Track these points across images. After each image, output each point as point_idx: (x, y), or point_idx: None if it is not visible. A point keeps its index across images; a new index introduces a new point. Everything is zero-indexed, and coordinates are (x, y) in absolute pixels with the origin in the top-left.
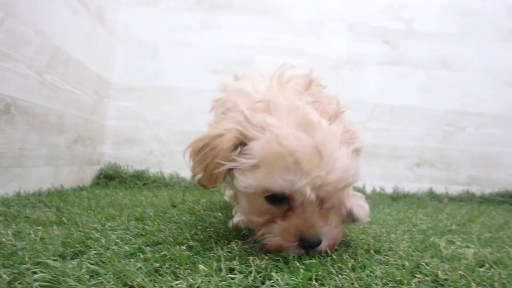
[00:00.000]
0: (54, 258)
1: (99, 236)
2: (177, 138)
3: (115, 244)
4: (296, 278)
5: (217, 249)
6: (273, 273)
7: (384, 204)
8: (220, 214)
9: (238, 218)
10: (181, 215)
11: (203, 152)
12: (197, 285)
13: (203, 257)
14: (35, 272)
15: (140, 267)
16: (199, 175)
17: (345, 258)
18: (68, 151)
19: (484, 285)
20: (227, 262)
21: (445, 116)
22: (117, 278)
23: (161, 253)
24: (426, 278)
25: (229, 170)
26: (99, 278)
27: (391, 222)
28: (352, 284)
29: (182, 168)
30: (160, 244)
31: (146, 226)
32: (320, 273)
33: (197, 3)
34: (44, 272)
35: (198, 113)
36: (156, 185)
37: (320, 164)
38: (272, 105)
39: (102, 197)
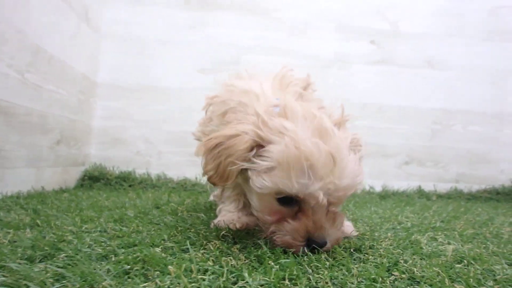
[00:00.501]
0: (21, 262)
1: (73, 239)
2: (165, 138)
3: (88, 247)
4: (269, 278)
5: (193, 250)
6: (245, 274)
7: (372, 202)
8: (203, 215)
9: (220, 218)
10: (162, 216)
11: (217, 150)
12: (165, 286)
13: (177, 258)
14: None
15: (109, 269)
16: (211, 172)
17: (323, 257)
18: (51, 152)
19: (459, 281)
20: (201, 263)
21: (432, 114)
22: (83, 281)
23: (134, 255)
24: (403, 276)
25: (242, 170)
26: (64, 281)
27: (376, 220)
28: (326, 283)
29: (170, 168)
30: (135, 246)
31: (124, 228)
32: (294, 272)
33: (186, 2)
34: (6, 276)
35: (186, 113)
36: (143, 186)
37: (333, 170)
38: (288, 111)
39: (84, 199)
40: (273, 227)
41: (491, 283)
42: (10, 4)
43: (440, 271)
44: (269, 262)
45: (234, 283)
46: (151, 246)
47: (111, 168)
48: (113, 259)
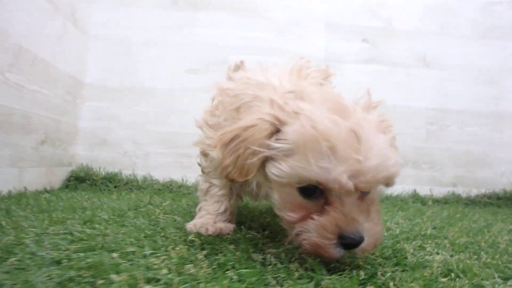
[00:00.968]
0: None
1: (31, 242)
2: (152, 139)
3: (44, 251)
4: None
5: (154, 256)
6: (201, 285)
7: None
8: (179, 217)
9: (195, 220)
10: (136, 218)
11: (234, 143)
12: None
13: (133, 265)
14: None
15: (52, 277)
16: (229, 168)
17: (292, 268)
18: (35, 152)
19: None
20: (155, 271)
21: (427, 114)
22: None
23: (88, 261)
24: None
25: (262, 163)
26: None
27: None
28: None
29: (156, 169)
30: (94, 250)
31: (92, 231)
32: (256, 283)
33: (174, 2)
34: None
35: (173, 114)
36: (128, 188)
37: (357, 149)
38: (304, 94)
39: (64, 200)
40: (297, 228)
41: None
42: None
43: (420, 285)
44: (226, 271)
45: None
46: (111, 251)
47: (98, 169)
48: (63, 264)
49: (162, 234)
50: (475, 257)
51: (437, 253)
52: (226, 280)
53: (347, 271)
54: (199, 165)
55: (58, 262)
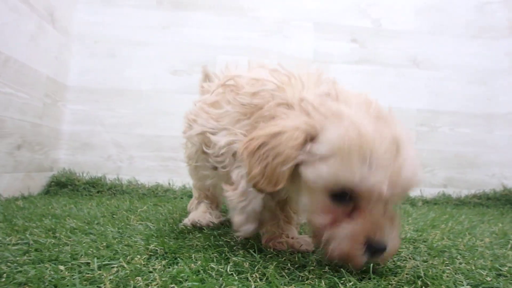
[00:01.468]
0: None
1: None
2: (137, 142)
3: None
4: None
5: (103, 270)
6: None
7: None
8: (152, 224)
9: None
10: (105, 225)
11: (262, 151)
12: None
13: (74, 279)
14: None
15: None
16: (258, 178)
17: (251, 279)
18: (10, 157)
19: None
20: (96, 286)
21: (418, 115)
22: None
23: (27, 275)
24: None
25: (294, 169)
26: None
27: None
28: None
29: (141, 173)
30: (43, 262)
31: (52, 240)
32: None
33: (158, 2)
34: None
35: (158, 116)
36: (112, 193)
37: (397, 158)
38: (341, 96)
39: (38, 207)
40: (326, 235)
41: None
42: None
43: None
44: (171, 285)
45: None
46: (62, 263)
47: (81, 174)
48: (3, 280)
49: (126, 243)
50: (450, 262)
51: (411, 259)
52: None
53: (309, 280)
54: (189, 159)
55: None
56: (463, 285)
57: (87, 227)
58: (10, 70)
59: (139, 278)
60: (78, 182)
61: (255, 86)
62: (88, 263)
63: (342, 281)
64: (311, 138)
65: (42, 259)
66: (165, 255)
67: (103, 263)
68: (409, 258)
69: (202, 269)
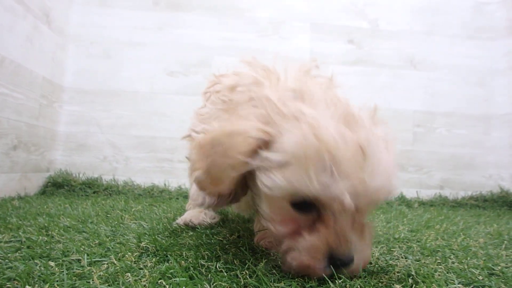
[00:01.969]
0: None
1: None
2: (132, 143)
3: None
4: None
5: (93, 266)
6: None
7: None
8: (146, 223)
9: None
10: (99, 224)
11: (213, 149)
12: None
13: (62, 274)
14: None
15: None
16: (200, 172)
17: (240, 276)
18: (6, 158)
19: None
20: (84, 281)
21: (414, 116)
22: None
23: (17, 271)
24: None
25: (253, 173)
26: None
27: None
28: None
29: (137, 174)
30: (34, 259)
31: (44, 238)
32: None
33: (154, 3)
34: None
35: (154, 117)
36: (108, 193)
37: (363, 166)
38: (306, 95)
39: (33, 207)
40: (285, 244)
41: None
42: None
43: None
44: (159, 280)
45: None
46: (53, 259)
47: (77, 175)
48: None
49: (118, 240)
50: (442, 261)
51: (403, 258)
52: None
53: (298, 278)
54: (188, 158)
55: None
56: (455, 284)
57: (80, 225)
58: (5, 70)
59: (129, 274)
60: (74, 182)
61: (233, 80)
62: (79, 260)
63: (332, 279)
64: (265, 144)
65: (33, 255)
66: (156, 252)
67: (94, 260)
68: (401, 257)
69: (192, 266)
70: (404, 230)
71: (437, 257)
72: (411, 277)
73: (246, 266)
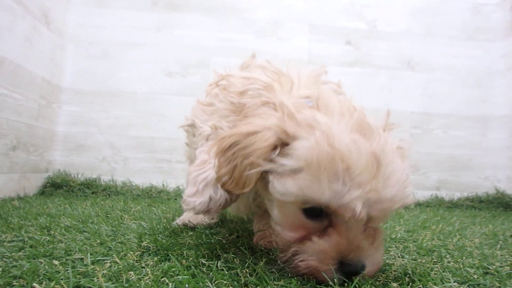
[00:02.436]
0: None
1: None
2: (131, 143)
3: None
4: None
5: (100, 264)
6: None
7: None
8: (145, 223)
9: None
10: (99, 224)
11: (232, 151)
12: None
13: (69, 273)
14: None
15: None
16: (225, 178)
17: (241, 274)
18: (5, 158)
19: None
20: (88, 279)
21: (411, 118)
22: None
23: (23, 269)
24: None
25: (263, 173)
26: None
27: None
28: None
29: (135, 175)
30: (38, 258)
31: (46, 237)
32: None
33: (153, 4)
34: None
35: (153, 118)
36: (106, 194)
37: (376, 176)
38: (321, 103)
39: (33, 207)
40: (294, 248)
41: None
42: None
43: None
44: (162, 278)
45: None
46: (56, 258)
47: (76, 175)
48: None
49: (119, 240)
50: (438, 260)
51: (400, 257)
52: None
53: (298, 276)
54: (187, 144)
55: None
56: (450, 282)
57: (81, 225)
58: (5, 71)
59: (132, 272)
60: (73, 183)
61: (244, 85)
62: (82, 259)
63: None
64: (282, 143)
65: (36, 254)
66: (157, 251)
67: (97, 258)
68: (398, 257)
69: (193, 265)
70: (400, 230)
71: (433, 257)
72: (407, 275)
73: (246, 265)
